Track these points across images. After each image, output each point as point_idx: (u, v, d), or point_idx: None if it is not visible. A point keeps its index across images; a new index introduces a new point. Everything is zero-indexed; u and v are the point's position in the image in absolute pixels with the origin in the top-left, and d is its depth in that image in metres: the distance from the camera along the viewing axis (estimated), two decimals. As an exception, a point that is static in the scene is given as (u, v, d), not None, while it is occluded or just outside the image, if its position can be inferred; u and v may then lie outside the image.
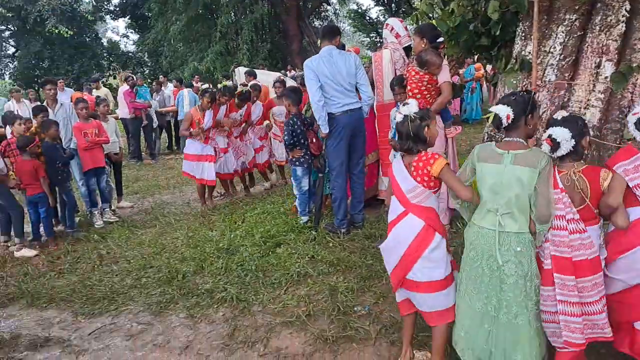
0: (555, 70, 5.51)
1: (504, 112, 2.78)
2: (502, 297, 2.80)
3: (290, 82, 9.52)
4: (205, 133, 7.20)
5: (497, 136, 3.22)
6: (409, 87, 5.22)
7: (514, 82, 5.85)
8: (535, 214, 2.71)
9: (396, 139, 3.47)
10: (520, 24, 5.85)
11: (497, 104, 2.88)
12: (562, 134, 2.70)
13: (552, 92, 5.58)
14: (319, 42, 5.79)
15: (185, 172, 7.48)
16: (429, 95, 5.18)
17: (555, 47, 5.48)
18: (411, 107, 3.01)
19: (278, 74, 12.84)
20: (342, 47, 5.90)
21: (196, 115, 7.16)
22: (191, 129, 7.14)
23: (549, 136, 2.74)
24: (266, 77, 10.93)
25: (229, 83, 7.99)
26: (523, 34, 5.80)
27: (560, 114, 2.82)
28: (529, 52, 5.63)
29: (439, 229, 2.97)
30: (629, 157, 2.77)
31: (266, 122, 8.44)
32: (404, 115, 3.01)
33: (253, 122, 8.19)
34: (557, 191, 2.71)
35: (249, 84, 8.75)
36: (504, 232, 2.78)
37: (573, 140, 2.69)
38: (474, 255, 2.91)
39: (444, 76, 5.19)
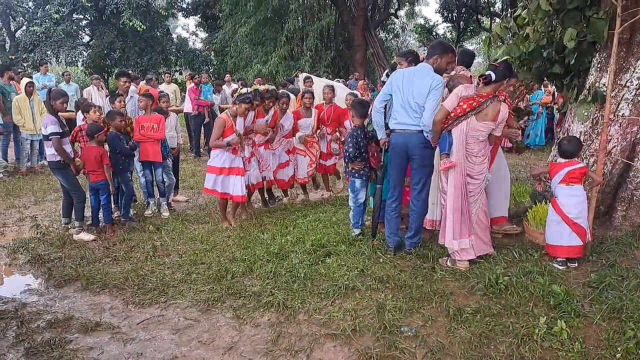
0: (630, 105, 5.32)
1: None
2: None
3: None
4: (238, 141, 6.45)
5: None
6: None
7: (585, 113, 5.68)
8: None
9: None
10: (597, 55, 5.68)
11: None
12: None
13: (624, 127, 5.39)
14: (393, 61, 5.81)
15: (207, 189, 6.64)
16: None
17: (632, 81, 5.31)
18: None
19: (330, 81, 12.92)
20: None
21: (229, 122, 6.42)
22: (226, 138, 6.37)
23: None
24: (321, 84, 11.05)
25: (264, 86, 7.38)
26: (599, 65, 5.63)
27: None
28: (604, 84, 5.45)
29: None
30: None
31: (298, 134, 7.81)
32: None
33: (286, 130, 7.55)
34: None
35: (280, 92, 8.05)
36: None
37: None
38: None
39: (446, 100, 4.94)
